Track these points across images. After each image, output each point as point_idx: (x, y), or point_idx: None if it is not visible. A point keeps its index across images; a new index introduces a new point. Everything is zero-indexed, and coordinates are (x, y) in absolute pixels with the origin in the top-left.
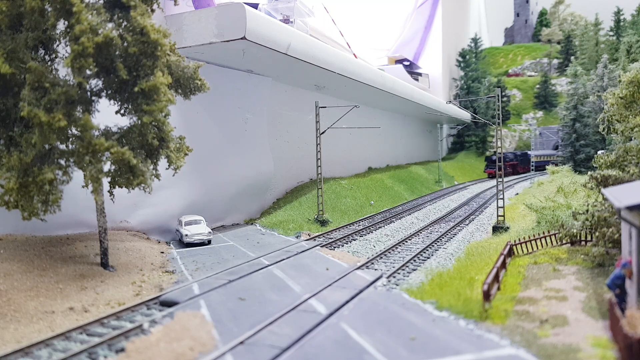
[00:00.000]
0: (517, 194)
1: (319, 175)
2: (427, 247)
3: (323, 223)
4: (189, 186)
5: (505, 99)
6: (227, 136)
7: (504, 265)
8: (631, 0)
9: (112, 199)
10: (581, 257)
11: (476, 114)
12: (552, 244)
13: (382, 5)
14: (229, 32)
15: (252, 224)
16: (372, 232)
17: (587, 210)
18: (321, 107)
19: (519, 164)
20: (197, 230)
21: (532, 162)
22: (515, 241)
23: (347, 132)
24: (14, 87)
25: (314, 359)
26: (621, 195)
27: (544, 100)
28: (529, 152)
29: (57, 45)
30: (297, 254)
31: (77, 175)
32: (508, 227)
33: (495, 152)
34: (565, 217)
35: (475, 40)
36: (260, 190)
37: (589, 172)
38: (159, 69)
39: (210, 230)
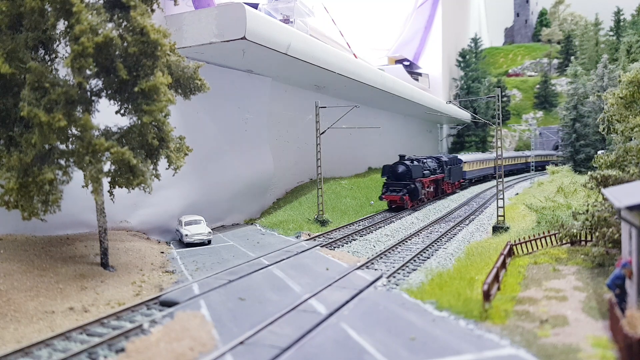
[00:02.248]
0: (517, 194)
1: (319, 175)
2: (427, 247)
3: (323, 223)
4: (189, 186)
5: (505, 99)
6: (227, 136)
7: (504, 265)
8: (631, 0)
9: (112, 199)
10: (581, 257)
11: (476, 114)
12: (552, 244)
13: (382, 5)
14: (229, 32)
15: (252, 224)
16: (372, 232)
17: (587, 210)
18: (321, 107)
19: (446, 177)
20: (197, 230)
21: (465, 172)
22: (515, 241)
23: (347, 132)
24: (14, 87)
25: (314, 359)
26: (621, 195)
27: (544, 100)
28: (460, 158)
29: (57, 45)
30: (297, 254)
31: (77, 175)
32: (508, 227)
33: (401, 159)
34: (565, 217)
35: (475, 40)
36: (260, 190)
37: (589, 172)
38: (159, 69)
39: (210, 230)
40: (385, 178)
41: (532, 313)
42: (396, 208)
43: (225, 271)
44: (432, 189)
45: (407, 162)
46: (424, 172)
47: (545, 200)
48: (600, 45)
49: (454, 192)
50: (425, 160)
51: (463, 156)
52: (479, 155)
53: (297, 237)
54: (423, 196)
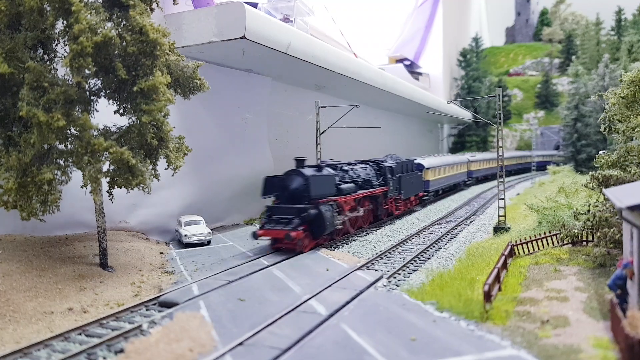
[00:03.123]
0: (519, 194)
1: None
2: (427, 247)
3: None
4: (188, 186)
5: (506, 98)
6: (226, 136)
7: (505, 265)
8: (632, 0)
9: (111, 199)
10: (582, 258)
11: (477, 114)
12: (553, 245)
13: (382, 4)
14: (229, 32)
15: (252, 224)
16: (372, 232)
17: (589, 211)
18: (321, 107)
19: (390, 191)
20: (197, 230)
21: (427, 182)
22: (516, 241)
23: (348, 132)
24: (12, 86)
25: None
26: (622, 196)
27: (545, 99)
28: (420, 163)
29: (56, 45)
30: (297, 254)
31: (76, 175)
32: (509, 228)
33: (298, 166)
34: (567, 217)
35: (476, 40)
36: (260, 190)
37: (590, 172)
38: (158, 69)
39: (210, 231)
40: (274, 199)
41: (533, 314)
42: (286, 249)
43: (225, 272)
44: (363, 212)
45: (307, 171)
46: (342, 186)
47: (546, 201)
48: (602, 45)
49: (411, 211)
50: (349, 167)
51: (425, 160)
52: (448, 158)
53: None
54: (342, 226)
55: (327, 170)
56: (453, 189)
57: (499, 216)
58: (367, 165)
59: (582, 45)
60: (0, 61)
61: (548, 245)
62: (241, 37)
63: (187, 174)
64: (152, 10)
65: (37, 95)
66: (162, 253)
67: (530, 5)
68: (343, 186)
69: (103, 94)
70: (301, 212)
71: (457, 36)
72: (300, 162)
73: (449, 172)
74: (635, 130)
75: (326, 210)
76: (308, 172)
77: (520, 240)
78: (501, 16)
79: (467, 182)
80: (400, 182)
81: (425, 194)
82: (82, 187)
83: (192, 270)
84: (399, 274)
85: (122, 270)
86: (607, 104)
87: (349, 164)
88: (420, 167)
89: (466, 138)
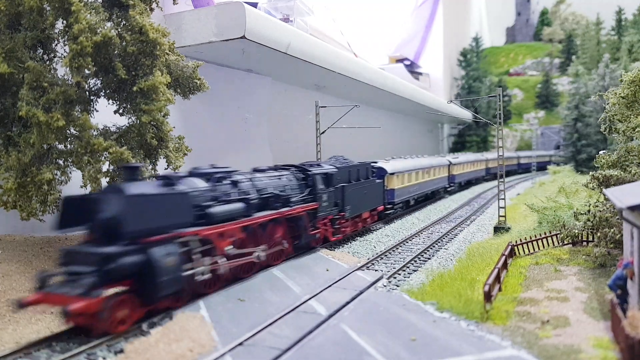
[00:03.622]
0: (519, 194)
1: None
2: (427, 247)
3: None
4: None
5: (506, 98)
6: (226, 136)
7: (505, 265)
8: (632, 0)
9: None
10: (583, 258)
11: (477, 114)
12: (553, 245)
13: (382, 4)
14: (229, 31)
15: None
16: (372, 232)
17: (589, 211)
18: (321, 107)
19: (323, 207)
20: None
21: (391, 191)
22: (516, 242)
23: (348, 131)
24: (12, 86)
25: None
26: (623, 196)
27: (546, 99)
28: (381, 167)
29: (56, 45)
30: (296, 254)
31: (76, 175)
32: (509, 228)
33: (128, 178)
34: (567, 217)
35: (476, 40)
36: None
37: (591, 172)
38: (158, 69)
39: None
40: (88, 232)
41: (534, 314)
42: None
43: None
44: (265, 246)
45: (132, 188)
46: (216, 209)
47: (546, 201)
48: (602, 45)
49: (365, 231)
50: (244, 177)
51: (389, 163)
52: (422, 161)
53: None
54: (200, 279)
55: (189, 183)
56: (430, 197)
57: (499, 216)
58: (285, 173)
59: (582, 45)
60: (0, 61)
61: (548, 245)
62: (241, 37)
63: None
64: (152, 10)
65: (36, 95)
66: None
67: (530, 5)
68: (217, 209)
69: (103, 94)
70: (107, 262)
71: (457, 36)
72: (129, 172)
73: (424, 177)
74: (636, 130)
75: (163, 256)
76: (133, 189)
77: (521, 240)
78: (501, 16)
79: (449, 189)
80: (343, 195)
81: (388, 207)
82: (82, 187)
83: None
84: (399, 274)
85: None
86: (608, 104)
87: (255, 170)
88: (382, 172)
89: (466, 138)
